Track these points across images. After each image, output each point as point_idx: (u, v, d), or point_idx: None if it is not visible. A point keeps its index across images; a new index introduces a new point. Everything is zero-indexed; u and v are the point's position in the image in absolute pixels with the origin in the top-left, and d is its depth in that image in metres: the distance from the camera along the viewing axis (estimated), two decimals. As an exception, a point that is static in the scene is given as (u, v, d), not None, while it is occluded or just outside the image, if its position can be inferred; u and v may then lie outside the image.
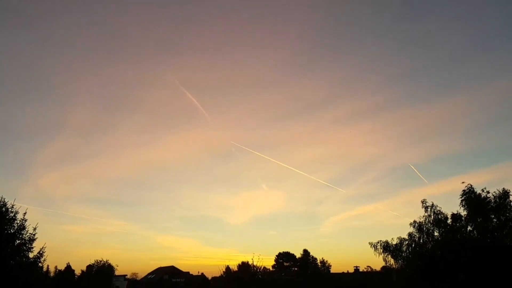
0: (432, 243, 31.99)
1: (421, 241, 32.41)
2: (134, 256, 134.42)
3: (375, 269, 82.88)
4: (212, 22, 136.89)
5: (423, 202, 32.47)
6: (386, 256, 34.11)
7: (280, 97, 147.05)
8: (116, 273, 72.47)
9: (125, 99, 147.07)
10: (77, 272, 68.83)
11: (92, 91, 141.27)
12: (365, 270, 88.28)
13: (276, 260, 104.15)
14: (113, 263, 67.89)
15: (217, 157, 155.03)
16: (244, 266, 49.86)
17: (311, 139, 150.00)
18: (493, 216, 28.57)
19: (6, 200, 25.12)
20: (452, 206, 40.38)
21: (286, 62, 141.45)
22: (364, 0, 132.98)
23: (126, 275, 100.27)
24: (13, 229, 24.85)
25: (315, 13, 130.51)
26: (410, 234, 32.98)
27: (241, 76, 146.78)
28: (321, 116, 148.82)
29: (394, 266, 34.51)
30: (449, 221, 31.05)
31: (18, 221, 25.04)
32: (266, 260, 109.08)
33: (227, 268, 53.71)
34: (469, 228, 29.86)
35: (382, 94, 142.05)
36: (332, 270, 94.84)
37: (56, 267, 69.05)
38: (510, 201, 28.30)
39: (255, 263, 46.72)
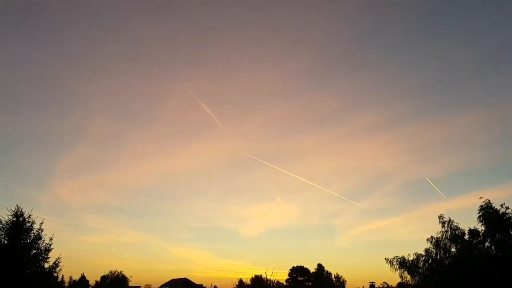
0: (449, 259, 31.38)
1: (438, 257, 31.83)
2: (148, 266, 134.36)
3: (391, 285, 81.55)
4: (227, 34, 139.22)
5: (440, 217, 32.04)
6: (403, 272, 33.61)
7: (295, 109, 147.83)
8: (130, 284, 72.75)
9: (142, 110, 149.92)
10: (92, 282, 69.36)
11: (109, 101, 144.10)
12: (380, 286, 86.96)
13: (290, 274, 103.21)
14: (127, 274, 68.39)
15: (232, 168, 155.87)
16: (257, 280, 49.31)
17: (325, 152, 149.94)
18: (512, 232, 27.91)
19: (23, 210, 25.59)
20: (469, 221, 39.42)
21: (301, 74, 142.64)
22: (380, 13, 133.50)
23: (140, 286, 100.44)
24: (30, 239, 25.26)
25: (330, 26, 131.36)
26: (427, 250, 32.51)
27: (256, 87, 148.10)
28: (336, 129, 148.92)
29: (410, 282, 33.92)
30: (466, 236, 30.48)
31: (34, 231, 25.48)
32: (279, 274, 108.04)
33: (240, 281, 53.25)
34: (486, 244, 29.18)
35: (398, 107, 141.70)
36: (347, 286, 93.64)
37: (70, 277, 69.71)
38: (530, 217, 27.60)
39: (268, 277, 46.21)
